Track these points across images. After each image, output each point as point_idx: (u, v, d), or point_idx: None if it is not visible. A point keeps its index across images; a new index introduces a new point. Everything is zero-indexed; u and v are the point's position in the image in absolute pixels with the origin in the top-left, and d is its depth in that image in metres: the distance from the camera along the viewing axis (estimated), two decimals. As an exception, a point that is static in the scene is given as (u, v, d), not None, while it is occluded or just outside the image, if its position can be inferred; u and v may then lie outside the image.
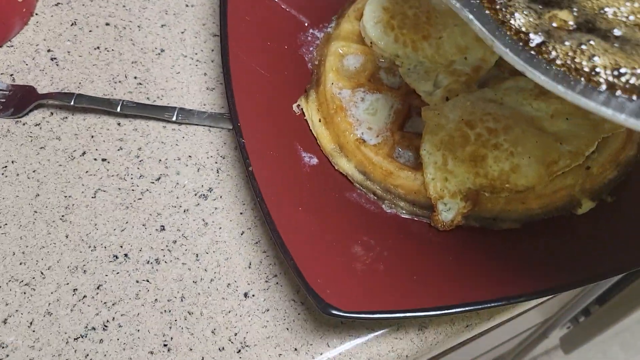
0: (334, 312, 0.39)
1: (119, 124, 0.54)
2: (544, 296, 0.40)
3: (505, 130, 0.45)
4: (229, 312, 0.45)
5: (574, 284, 0.41)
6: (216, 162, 0.52)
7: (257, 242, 0.48)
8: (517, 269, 0.44)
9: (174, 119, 0.53)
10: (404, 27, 0.51)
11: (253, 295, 0.46)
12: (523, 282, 0.42)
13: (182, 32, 0.59)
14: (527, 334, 1.18)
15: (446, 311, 0.40)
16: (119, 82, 0.56)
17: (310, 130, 0.51)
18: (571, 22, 0.31)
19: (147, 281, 0.47)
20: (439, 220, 0.45)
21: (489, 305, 0.40)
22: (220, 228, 0.49)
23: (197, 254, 0.48)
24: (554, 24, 0.31)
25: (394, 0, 0.52)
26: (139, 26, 0.59)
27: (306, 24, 0.56)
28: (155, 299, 0.46)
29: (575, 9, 0.31)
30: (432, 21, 0.51)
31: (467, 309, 0.40)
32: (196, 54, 0.58)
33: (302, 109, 0.51)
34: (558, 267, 0.43)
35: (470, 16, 0.30)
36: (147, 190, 0.50)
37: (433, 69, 0.50)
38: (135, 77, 0.56)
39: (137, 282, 0.46)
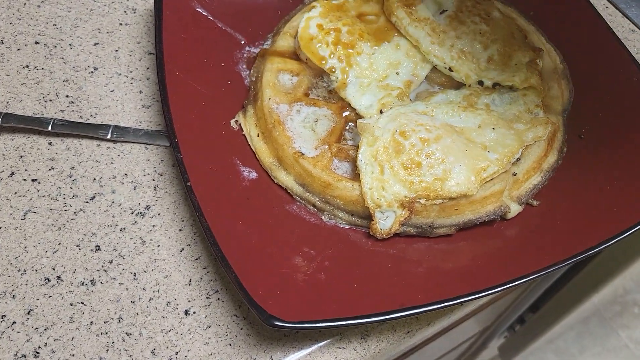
0: (277, 323, 0.39)
1: (50, 144, 0.52)
2: (480, 296, 0.42)
3: (437, 140, 0.47)
4: (169, 330, 0.44)
5: (507, 283, 0.43)
6: (153, 180, 0.51)
7: (197, 259, 0.48)
8: (453, 273, 0.45)
9: (108, 136, 0.52)
10: (338, 44, 0.52)
11: (194, 313, 0.45)
12: (459, 284, 0.43)
13: (116, 51, 0.58)
14: (467, 345, 1.21)
15: (386, 317, 0.40)
16: (50, 100, 0.54)
17: (249, 145, 0.51)
18: None
19: (82, 303, 0.45)
20: (377, 229, 0.46)
21: (427, 308, 0.41)
22: (159, 246, 0.48)
23: (134, 273, 0.46)
24: None
25: (328, 19, 0.54)
26: (70, 44, 0.58)
27: (242, 42, 0.57)
28: (91, 322, 0.44)
29: None
30: (365, 38, 0.53)
31: (405, 313, 0.40)
32: (131, 71, 0.57)
33: (240, 124, 0.52)
34: (491, 269, 0.45)
35: None
36: (81, 210, 0.49)
37: (367, 83, 0.51)
38: (67, 96, 0.55)
39: (71, 304, 0.45)
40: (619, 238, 0.45)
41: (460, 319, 0.86)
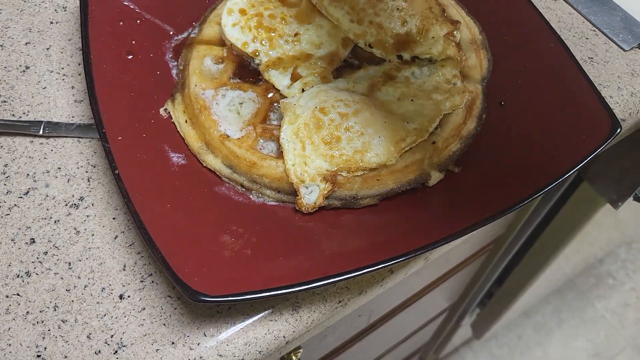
0: (202, 297, 0.40)
1: (-18, 143, 0.53)
2: (399, 260, 0.43)
3: (356, 114, 0.48)
4: (105, 315, 0.45)
5: (428, 247, 0.44)
6: (87, 172, 0.52)
7: (131, 245, 0.49)
8: (378, 241, 0.47)
9: (40, 132, 0.53)
10: (261, 27, 0.54)
11: (128, 297, 0.46)
12: (383, 251, 0.45)
13: (48, 49, 0.59)
14: (441, 321, 1.23)
15: (307, 286, 0.42)
16: (-18, 101, 0.55)
17: (178, 131, 0.52)
18: None
19: (18, 295, 0.46)
20: (302, 203, 0.47)
21: (348, 275, 0.42)
22: (93, 235, 0.49)
23: (69, 263, 0.47)
24: None
25: (250, 4, 0.55)
26: (1, 45, 0.59)
27: (171, 33, 0.58)
28: (27, 312, 0.45)
29: None
30: (287, 21, 0.54)
31: (327, 281, 0.42)
32: (62, 68, 0.58)
33: (169, 112, 0.53)
34: (414, 234, 0.46)
35: None
36: (15, 205, 0.50)
37: (290, 64, 0.53)
38: (-1, 96, 0.55)
39: (7, 297, 0.46)
40: (535, 196, 0.47)
41: (418, 292, 0.87)
